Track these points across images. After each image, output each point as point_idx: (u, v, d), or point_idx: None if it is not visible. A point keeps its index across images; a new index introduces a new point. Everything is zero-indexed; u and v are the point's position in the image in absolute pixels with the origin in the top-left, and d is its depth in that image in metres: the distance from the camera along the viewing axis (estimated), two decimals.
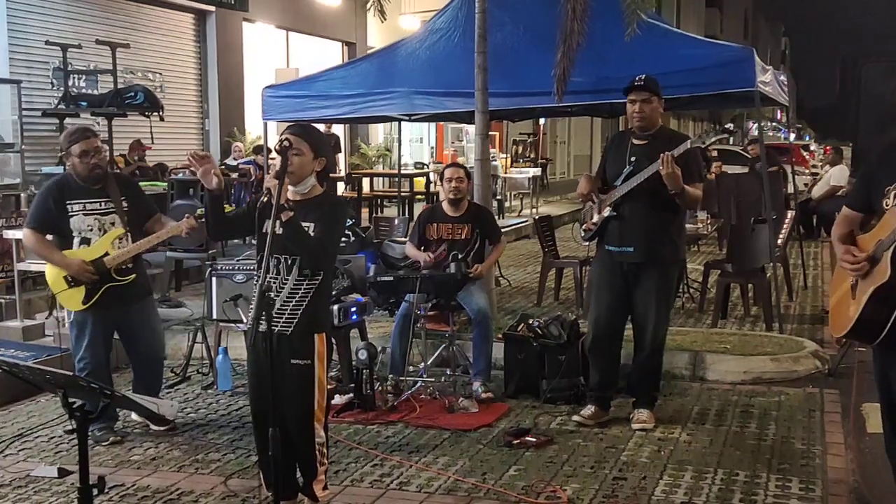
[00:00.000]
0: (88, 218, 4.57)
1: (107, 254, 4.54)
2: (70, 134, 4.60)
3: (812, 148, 30.78)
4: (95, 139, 4.59)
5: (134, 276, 4.65)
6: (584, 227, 4.90)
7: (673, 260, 4.80)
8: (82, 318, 4.60)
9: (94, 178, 4.57)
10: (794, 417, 4.91)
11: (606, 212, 4.70)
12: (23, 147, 8.71)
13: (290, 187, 3.40)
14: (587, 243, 4.98)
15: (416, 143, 20.39)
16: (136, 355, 4.84)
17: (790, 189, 12.61)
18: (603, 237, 4.77)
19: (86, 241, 4.55)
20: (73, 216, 4.54)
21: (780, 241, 7.90)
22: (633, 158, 4.63)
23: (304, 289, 3.39)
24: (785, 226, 8.16)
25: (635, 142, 4.69)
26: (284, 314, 3.39)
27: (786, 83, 8.44)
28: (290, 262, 3.39)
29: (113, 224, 4.61)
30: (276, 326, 3.34)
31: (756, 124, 29.90)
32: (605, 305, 4.79)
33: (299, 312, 3.39)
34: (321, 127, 14.06)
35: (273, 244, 3.32)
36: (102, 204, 4.61)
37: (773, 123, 43.24)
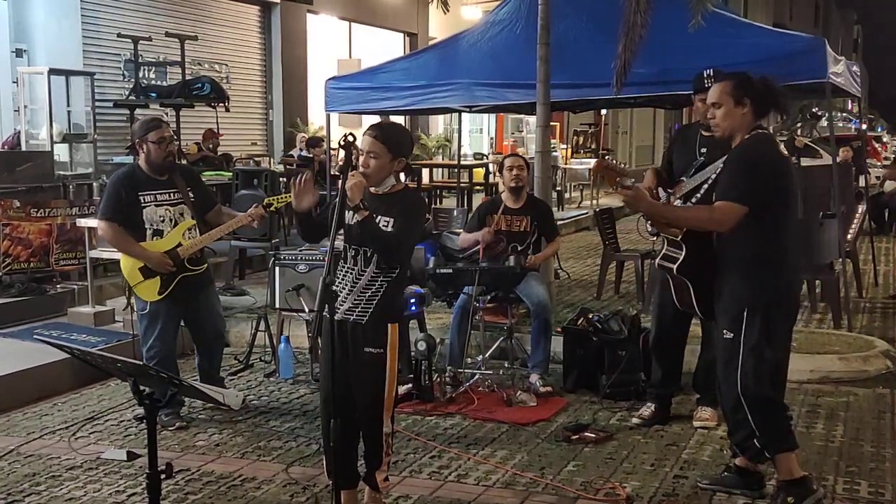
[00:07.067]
0: (160, 209, 4.65)
1: (180, 244, 4.64)
2: (146, 123, 4.74)
3: (885, 139, 29.74)
4: (168, 128, 4.74)
5: (205, 265, 4.77)
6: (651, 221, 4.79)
7: None
8: (155, 308, 4.69)
9: (165, 166, 4.67)
10: (863, 419, 4.78)
11: (677, 204, 4.60)
12: (95, 137, 8.98)
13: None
14: (654, 238, 4.89)
15: (475, 134, 20.34)
16: (203, 337, 4.97)
17: (862, 182, 12.23)
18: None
19: (158, 233, 4.64)
20: (145, 207, 4.63)
21: (849, 236, 7.68)
22: (703, 150, 4.55)
23: (381, 280, 3.45)
24: (855, 220, 7.92)
25: (705, 133, 4.60)
26: (360, 303, 3.45)
27: (858, 73, 8.18)
28: (369, 253, 3.44)
29: (182, 215, 4.71)
30: (352, 315, 3.44)
31: (825, 115, 28.96)
32: (670, 303, 4.70)
33: (374, 302, 3.44)
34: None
35: (350, 235, 3.38)
36: (171, 195, 4.70)
37: (844, 114, 41.88)
